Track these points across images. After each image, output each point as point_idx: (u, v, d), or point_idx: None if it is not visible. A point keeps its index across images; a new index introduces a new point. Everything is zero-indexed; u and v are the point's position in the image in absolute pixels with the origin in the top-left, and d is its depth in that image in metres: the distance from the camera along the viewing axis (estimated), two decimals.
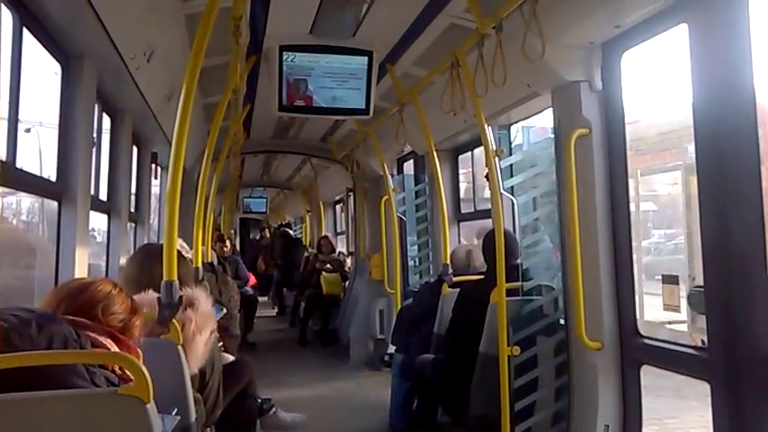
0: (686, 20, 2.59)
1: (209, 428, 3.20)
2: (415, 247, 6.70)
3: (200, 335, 2.62)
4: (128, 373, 1.71)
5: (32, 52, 2.82)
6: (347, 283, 9.30)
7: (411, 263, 7.03)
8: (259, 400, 4.36)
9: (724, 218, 2.46)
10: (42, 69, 3.08)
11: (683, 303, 2.79)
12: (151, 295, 2.51)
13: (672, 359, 2.90)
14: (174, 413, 2.14)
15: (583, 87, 3.23)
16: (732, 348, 2.45)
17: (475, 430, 3.87)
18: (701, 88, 2.55)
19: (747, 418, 2.40)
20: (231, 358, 4.12)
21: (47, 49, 2.97)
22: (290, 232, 13.55)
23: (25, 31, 2.69)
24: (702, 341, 2.67)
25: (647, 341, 3.10)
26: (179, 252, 2.67)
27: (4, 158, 2.52)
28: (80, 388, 1.63)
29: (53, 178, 3.20)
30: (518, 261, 3.82)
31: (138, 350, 1.91)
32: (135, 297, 2.17)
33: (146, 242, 5.23)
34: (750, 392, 2.39)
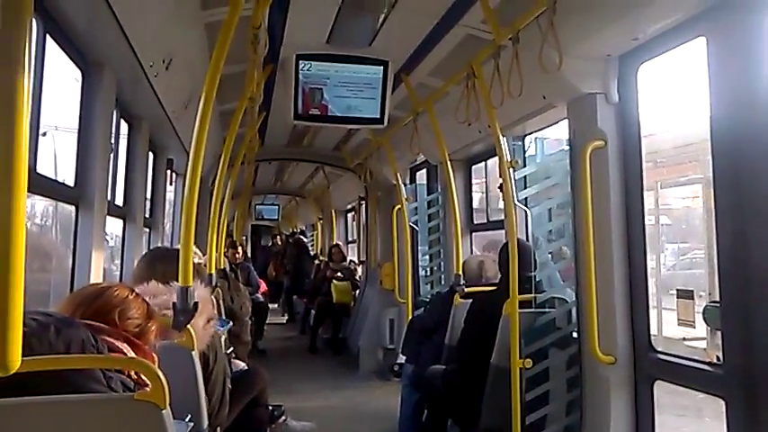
0: (704, 33, 2.58)
1: None
2: (427, 257, 6.69)
3: (198, 319, 2.63)
4: (143, 378, 1.72)
5: (53, 58, 2.86)
6: (357, 292, 9.30)
7: (422, 273, 7.02)
8: (270, 407, 4.36)
9: (741, 232, 2.44)
10: (59, 74, 3.13)
11: (699, 318, 2.76)
12: (152, 285, 2.53)
13: (686, 375, 2.87)
14: (187, 419, 2.15)
15: (599, 99, 3.23)
16: (748, 364, 2.42)
17: None
18: (719, 102, 2.54)
19: None
20: (243, 365, 4.13)
21: (68, 56, 3.01)
22: (304, 240, 13.59)
23: (48, 39, 2.73)
24: (717, 357, 2.64)
25: (660, 356, 3.07)
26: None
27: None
28: (97, 392, 1.64)
29: (68, 182, 3.24)
30: (532, 273, 3.80)
31: (154, 355, 1.92)
32: (138, 288, 2.19)
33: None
34: (766, 409, 2.36)
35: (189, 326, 2.51)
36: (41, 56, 2.69)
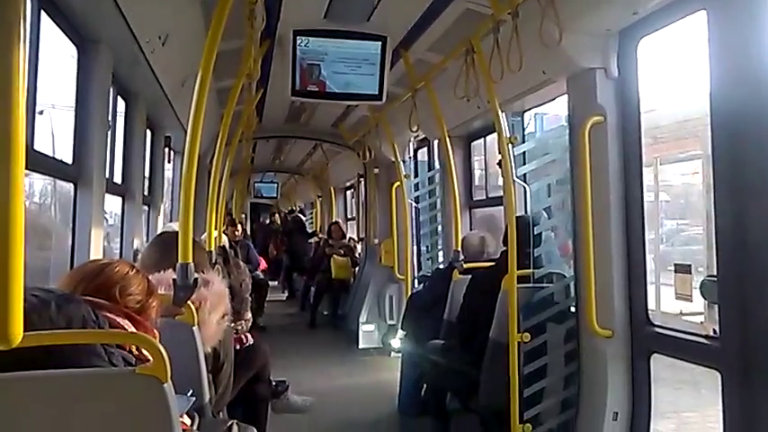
0: (705, 6, 2.56)
1: (221, 411, 3.25)
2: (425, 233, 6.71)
3: (214, 313, 2.66)
4: (145, 353, 1.73)
5: (48, 35, 2.84)
6: (357, 268, 9.34)
7: (423, 249, 7.04)
8: (274, 383, 4.41)
9: (740, 207, 2.44)
10: (57, 52, 3.11)
11: (696, 293, 2.78)
12: (169, 274, 2.55)
13: (682, 348, 2.89)
14: (189, 394, 2.17)
15: (598, 74, 3.21)
16: (744, 338, 2.44)
17: (484, 416, 3.89)
18: (719, 76, 2.52)
19: (758, 408, 2.40)
20: (251, 340, 4.11)
21: (64, 33, 2.99)
22: (302, 218, 13.62)
23: (43, 15, 2.70)
24: (714, 330, 2.66)
25: (657, 330, 3.09)
26: (194, 240, 2.70)
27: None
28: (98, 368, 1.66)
29: (66, 160, 3.24)
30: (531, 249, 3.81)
31: (155, 331, 1.94)
32: (153, 277, 2.20)
33: (159, 225, 5.28)
34: (761, 382, 2.39)
35: (196, 315, 2.53)
36: (36, 32, 2.67)
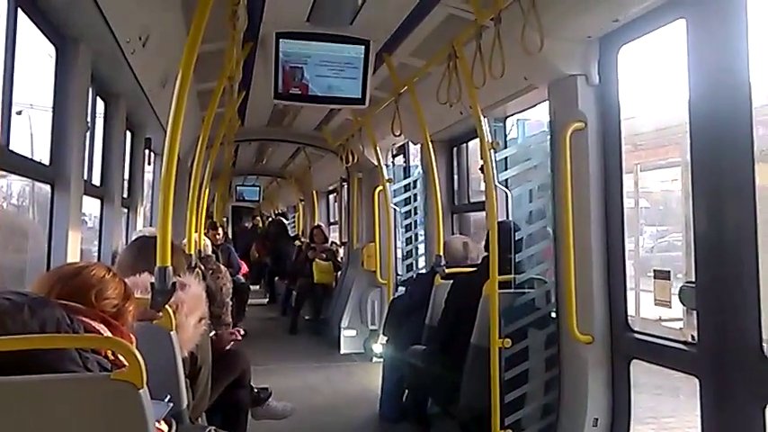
0: (684, 15, 2.59)
1: (199, 417, 3.21)
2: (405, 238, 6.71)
3: (190, 317, 2.63)
4: (120, 358, 1.70)
5: (25, 34, 2.79)
6: (339, 273, 9.31)
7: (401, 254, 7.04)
8: (256, 389, 4.36)
9: (717, 214, 2.47)
10: (35, 51, 3.06)
11: (675, 299, 2.81)
12: (145, 277, 2.51)
13: (661, 354, 2.92)
14: (166, 400, 2.14)
15: (579, 81, 3.23)
16: (722, 344, 2.47)
17: (465, 421, 3.89)
18: (698, 84, 2.55)
19: (735, 413, 2.43)
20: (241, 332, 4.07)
21: (42, 32, 2.94)
22: (284, 221, 13.55)
23: (20, 13, 2.66)
24: (693, 336, 2.68)
25: (637, 336, 3.12)
26: (173, 243, 2.67)
27: None
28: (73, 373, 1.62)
29: (45, 161, 3.18)
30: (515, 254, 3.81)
31: (132, 336, 1.90)
32: (129, 280, 2.17)
33: (138, 228, 5.21)
34: (738, 388, 2.41)
35: (173, 316, 2.50)
36: (13, 30, 2.62)
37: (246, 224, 16.63)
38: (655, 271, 3.21)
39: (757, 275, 2.35)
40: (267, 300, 12.38)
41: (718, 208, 2.47)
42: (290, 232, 13.12)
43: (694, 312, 2.63)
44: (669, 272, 3.12)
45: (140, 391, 1.60)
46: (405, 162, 7.01)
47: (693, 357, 2.63)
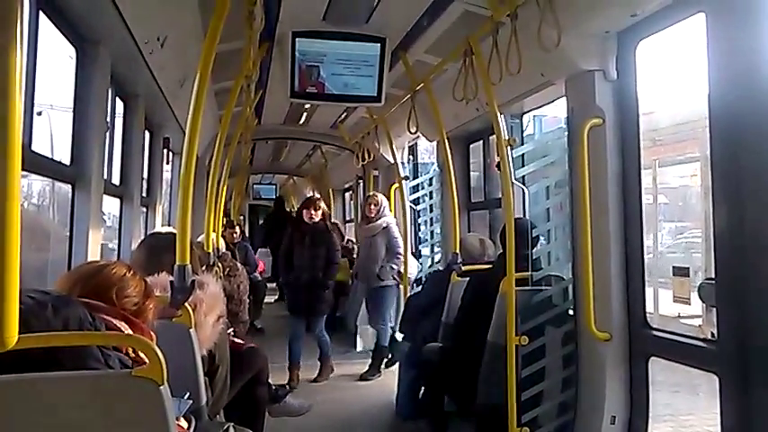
0: (703, 9, 2.56)
1: (218, 414, 3.24)
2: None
3: (209, 316, 2.65)
4: (141, 356, 1.73)
5: (46, 36, 2.83)
6: None
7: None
8: (274, 387, 4.39)
9: (738, 210, 2.44)
10: (55, 53, 3.10)
11: (694, 296, 2.79)
12: (163, 277, 2.54)
13: (680, 351, 2.89)
14: (186, 397, 2.16)
15: (597, 77, 3.21)
16: (742, 341, 2.44)
17: (481, 419, 3.88)
18: (718, 79, 2.52)
19: (755, 411, 2.40)
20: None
21: (63, 34, 2.99)
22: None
23: (41, 16, 2.70)
24: (712, 333, 2.66)
25: (655, 333, 3.09)
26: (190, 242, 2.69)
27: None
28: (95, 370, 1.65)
29: (65, 161, 3.23)
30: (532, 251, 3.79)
31: (152, 333, 1.93)
32: (148, 279, 2.19)
33: (157, 227, 5.27)
34: (758, 385, 2.38)
35: (193, 315, 2.52)
36: (35, 33, 2.66)
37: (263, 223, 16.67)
38: (674, 268, 3.19)
39: None
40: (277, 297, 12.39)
41: (737, 204, 2.44)
42: None
43: (714, 309, 2.60)
44: (688, 269, 3.11)
45: (161, 387, 1.63)
46: (413, 160, 7.00)
47: (713, 355, 2.60)
